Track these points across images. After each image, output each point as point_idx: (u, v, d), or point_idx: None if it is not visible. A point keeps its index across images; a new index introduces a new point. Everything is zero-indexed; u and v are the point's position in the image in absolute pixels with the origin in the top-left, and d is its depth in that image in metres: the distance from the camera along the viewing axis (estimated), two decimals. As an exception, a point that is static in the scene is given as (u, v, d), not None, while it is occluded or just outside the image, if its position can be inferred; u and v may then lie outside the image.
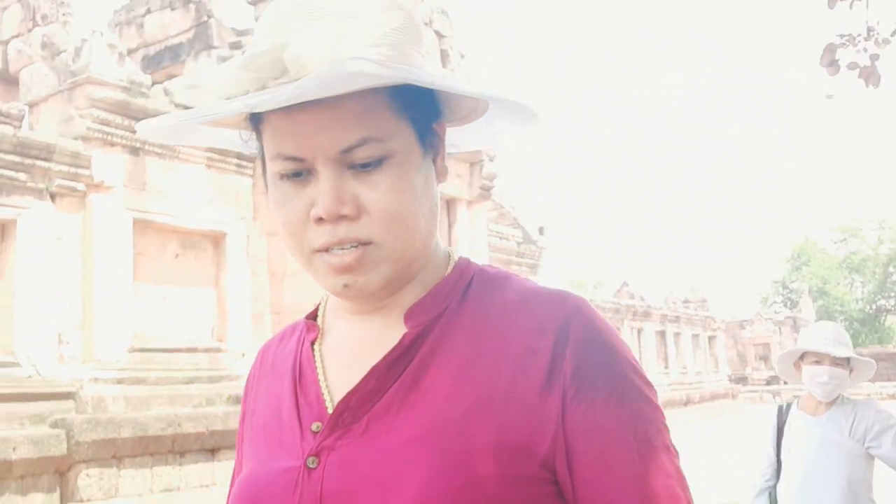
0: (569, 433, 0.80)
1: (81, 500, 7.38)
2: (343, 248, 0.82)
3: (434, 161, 0.90)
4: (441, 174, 0.91)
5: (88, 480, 7.46)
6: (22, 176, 7.92)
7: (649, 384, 0.87)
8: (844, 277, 55.37)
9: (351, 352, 0.90)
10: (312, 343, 0.94)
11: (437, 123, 0.90)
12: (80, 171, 8.33)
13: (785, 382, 39.01)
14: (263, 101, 0.78)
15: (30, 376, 7.76)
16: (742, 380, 40.01)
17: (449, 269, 0.92)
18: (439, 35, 11.05)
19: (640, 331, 21.63)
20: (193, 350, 9.19)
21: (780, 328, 44.93)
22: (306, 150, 0.82)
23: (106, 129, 8.55)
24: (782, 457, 3.22)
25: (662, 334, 22.97)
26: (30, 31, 9.09)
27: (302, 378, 0.92)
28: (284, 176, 0.84)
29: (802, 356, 3.21)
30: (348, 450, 0.82)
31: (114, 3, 11.86)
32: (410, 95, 0.84)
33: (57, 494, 7.34)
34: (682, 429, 19.52)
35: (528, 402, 0.80)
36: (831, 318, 52.70)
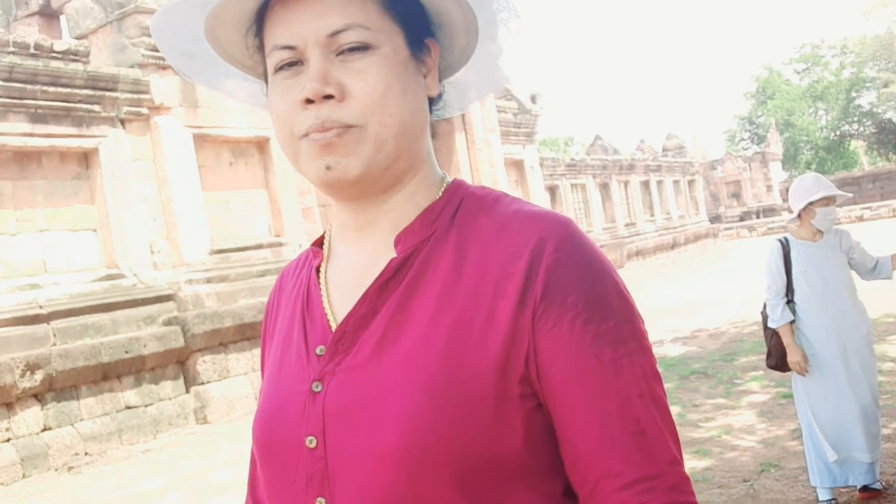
0: (538, 350, 0.83)
1: (202, 383, 8.66)
2: (325, 131, 0.86)
3: (425, 76, 0.93)
4: (432, 90, 0.94)
5: (205, 366, 8.72)
6: (96, 107, 8.72)
7: (630, 306, 0.87)
8: (809, 107, 56.49)
9: (350, 275, 0.94)
10: (318, 268, 0.98)
11: (429, 39, 0.94)
12: (142, 96, 9.12)
13: (757, 216, 40.90)
14: None
15: (134, 284, 8.86)
16: (717, 218, 41.64)
17: (440, 193, 0.94)
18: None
19: (626, 183, 22.93)
20: (259, 247, 10.29)
21: (749, 165, 46.10)
22: (298, 37, 0.86)
23: (158, 54, 9.25)
24: (793, 276, 4.43)
25: (646, 184, 24.31)
26: (67, -34, 9.56)
27: (309, 302, 0.96)
28: (280, 69, 0.88)
29: (813, 201, 4.36)
30: (346, 374, 0.86)
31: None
32: (402, 2, 0.89)
33: (181, 380, 8.61)
34: (675, 267, 21.19)
35: (506, 324, 0.83)
36: (797, 149, 54.34)
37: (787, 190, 30.40)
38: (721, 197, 46.06)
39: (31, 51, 8.13)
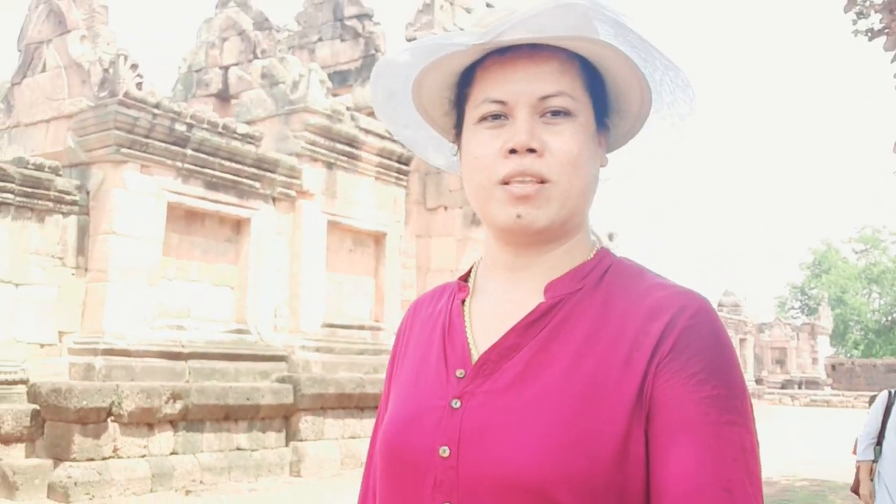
0: (653, 397, 0.91)
1: (301, 440, 9.59)
2: (524, 182, 0.95)
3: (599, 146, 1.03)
4: (603, 163, 1.05)
5: (306, 425, 9.67)
6: (257, 184, 10.08)
7: (744, 387, 0.93)
8: (863, 287, 56.74)
9: (496, 311, 1.03)
10: (463, 300, 1.07)
11: (607, 119, 1.05)
12: (293, 181, 10.48)
13: (799, 386, 40.77)
14: (491, 31, 0.95)
15: (256, 342, 9.97)
16: (758, 381, 41.44)
17: (591, 254, 1.03)
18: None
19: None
20: (361, 328, 11.36)
21: (797, 334, 45.86)
22: (511, 94, 0.97)
23: (313, 147, 10.69)
24: (888, 425, 5.20)
25: (701, 334, 25.08)
26: (250, 61, 11.18)
27: (451, 329, 1.05)
28: (484, 119, 0.99)
29: None
30: (486, 396, 0.95)
31: (288, 25, 13.88)
32: (594, 82, 1.01)
33: (283, 434, 9.56)
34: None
35: (639, 375, 0.91)
36: (847, 327, 54.36)
37: (832, 366, 30.31)
38: (765, 361, 45.70)
39: (219, 129, 9.56)
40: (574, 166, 0.96)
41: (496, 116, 0.98)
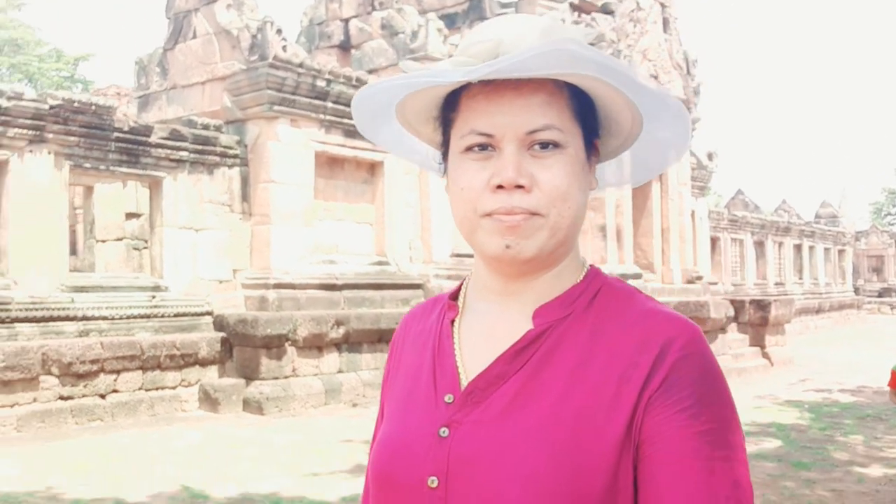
0: (643, 431, 0.91)
1: (441, 357, 10.75)
2: (512, 213, 0.93)
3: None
4: (593, 185, 1.03)
5: (445, 344, 10.81)
6: (387, 129, 11.01)
7: (736, 420, 0.93)
8: (966, 191, 54.68)
9: (485, 335, 1.02)
10: (452, 321, 1.06)
11: (596, 140, 1.02)
12: (418, 123, 11.37)
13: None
14: (479, 70, 0.91)
15: (395, 272, 11.07)
16: (856, 290, 41.08)
17: (580, 277, 1.02)
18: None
19: (780, 244, 23.98)
20: (483, 255, 12.37)
21: (895, 241, 44.91)
22: (498, 127, 0.94)
23: (433, 91, 11.53)
24: None
25: (799, 248, 25.25)
26: (369, 13, 11.98)
27: (441, 352, 1.04)
28: (470, 150, 0.96)
29: None
30: (474, 426, 0.95)
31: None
32: (584, 107, 0.98)
33: (426, 353, 10.72)
34: (818, 331, 22.00)
35: (628, 410, 0.91)
36: (949, 233, 52.75)
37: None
38: (861, 270, 45.02)
39: (353, 82, 10.49)
40: (563, 199, 0.95)
41: (482, 147, 0.96)
